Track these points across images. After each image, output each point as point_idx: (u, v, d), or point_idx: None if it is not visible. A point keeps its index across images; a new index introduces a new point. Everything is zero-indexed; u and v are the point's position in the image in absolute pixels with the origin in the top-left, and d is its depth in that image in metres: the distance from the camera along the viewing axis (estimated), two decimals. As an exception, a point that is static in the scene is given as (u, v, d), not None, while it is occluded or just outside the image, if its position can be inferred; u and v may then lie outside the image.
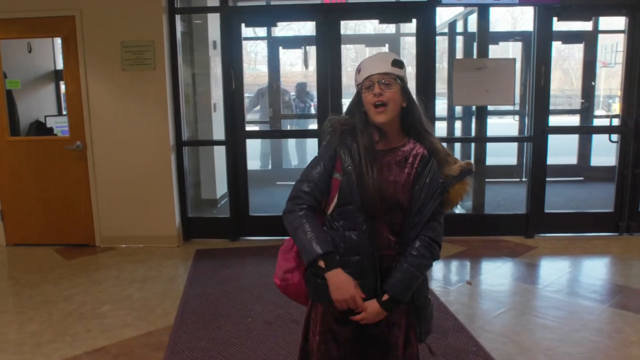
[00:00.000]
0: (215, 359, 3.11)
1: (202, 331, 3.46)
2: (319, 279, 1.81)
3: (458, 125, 7.26)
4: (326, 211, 1.89)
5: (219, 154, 6.57)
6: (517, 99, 7.44)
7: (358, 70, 1.85)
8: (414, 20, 5.04)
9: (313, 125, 8.10)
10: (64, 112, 6.00)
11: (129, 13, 4.95)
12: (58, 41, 6.15)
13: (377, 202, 1.77)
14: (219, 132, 6.48)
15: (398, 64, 1.81)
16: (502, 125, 8.56)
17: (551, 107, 5.30)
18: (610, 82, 17.15)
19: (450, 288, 4.16)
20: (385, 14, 5.16)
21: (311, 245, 1.77)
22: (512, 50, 10.37)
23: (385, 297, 1.81)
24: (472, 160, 5.60)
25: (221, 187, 6.79)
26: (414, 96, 1.88)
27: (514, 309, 3.76)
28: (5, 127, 5.23)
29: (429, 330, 2.01)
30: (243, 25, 5.22)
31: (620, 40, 10.54)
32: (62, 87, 6.25)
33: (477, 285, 4.22)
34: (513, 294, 4.10)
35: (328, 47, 5.10)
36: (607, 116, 12.51)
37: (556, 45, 5.09)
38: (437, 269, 4.60)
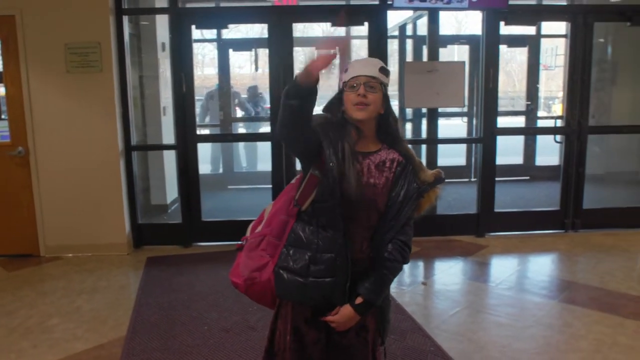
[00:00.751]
0: (172, 369, 3.03)
1: (156, 341, 3.36)
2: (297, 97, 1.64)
3: (408, 127, 7.38)
4: (300, 206, 1.85)
5: (169, 158, 6.43)
6: (466, 101, 7.62)
7: (345, 70, 1.83)
8: (366, 23, 5.08)
9: (266, 129, 8.06)
10: (3, 117, 5.72)
11: (73, 13, 4.77)
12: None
13: (356, 200, 1.77)
14: (168, 136, 6.35)
15: (385, 71, 1.84)
16: (450, 126, 8.73)
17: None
18: (550, 84, 17.85)
19: (405, 289, 4.20)
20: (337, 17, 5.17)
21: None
22: (458, 54, 10.60)
23: (359, 300, 1.81)
24: (424, 162, 5.68)
25: (171, 192, 6.64)
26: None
27: (468, 308, 3.83)
28: (-60, 132, 4.95)
29: (388, 332, 2.02)
30: (193, 27, 5.11)
31: (560, 44, 11.00)
32: (1, 90, 5.97)
33: (431, 286, 4.29)
34: (467, 292, 4.18)
35: (280, 49, 5.07)
36: (550, 117, 13.01)
37: (501, 48, 5.24)
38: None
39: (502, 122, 5.71)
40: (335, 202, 1.76)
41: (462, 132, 8.08)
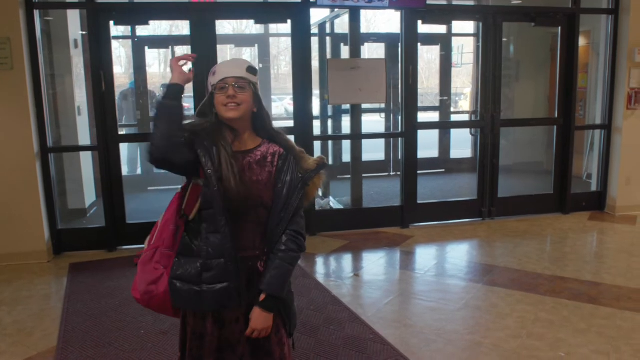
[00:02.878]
0: (112, 377, 2.93)
1: (91, 349, 3.23)
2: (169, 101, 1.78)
3: (329, 123, 7.51)
4: (187, 216, 1.88)
5: (86, 160, 6.16)
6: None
7: (213, 73, 1.87)
8: (289, 21, 5.12)
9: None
10: None
11: (-23, 7, 4.46)
12: None
13: (241, 201, 1.80)
14: (84, 136, 6.08)
15: (252, 70, 1.87)
16: (370, 122, 8.97)
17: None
18: (456, 80, 18.76)
19: (339, 282, 4.29)
20: (261, 14, 5.20)
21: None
22: (373, 52, 10.90)
23: (263, 296, 1.83)
24: (350, 157, 5.83)
25: (90, 195, 6.37)
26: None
27: (400, 296, 3.99)
28: None
29: (295, 324, 2.05)
30: (112, 23, 4.92)
31: (466, 43, 11.61)
32: None
33: (363, 277, 4.41)
34: (397, 281, 4.34)
35: (203, 47, 4.99)
36: (460, 112, 13.67)
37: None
38: (324, 264, 4.74)
39: (419, 117, 5.93)
40: (219, 208, 1.77)
41: (380, 128, 8.33)
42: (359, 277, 4.40)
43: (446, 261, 4.75)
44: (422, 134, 5.67)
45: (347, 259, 4.89)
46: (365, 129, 5.81)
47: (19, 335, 3.47)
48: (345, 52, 7.02)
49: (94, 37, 4.82)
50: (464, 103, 17.08)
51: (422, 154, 5.74)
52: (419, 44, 5.65)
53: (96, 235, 5.15)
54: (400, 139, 5.71)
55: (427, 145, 8.72)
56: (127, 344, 3.30)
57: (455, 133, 8.79)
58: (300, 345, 3.20)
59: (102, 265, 4.75)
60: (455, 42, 12.53)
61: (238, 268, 1.81)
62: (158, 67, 16.58)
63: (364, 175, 6.02)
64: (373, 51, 10.10)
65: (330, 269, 4.69)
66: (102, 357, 3.14)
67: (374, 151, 8.36)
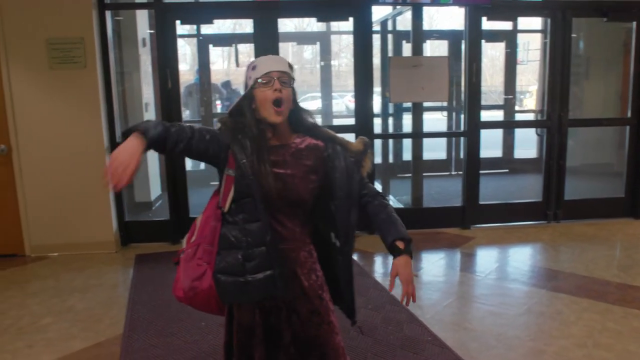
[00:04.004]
0: (174, 366, 3.02)
1: (155, 338, 3.34)
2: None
3: (390, 121, 7.44)
4: (222, 208, 1.87)
5: (152, 155, 6.37)
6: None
7: (252, 67, 1.85)
8: (351, 19, 5.11)
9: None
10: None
11: (54, 8, 4.68)
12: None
13: (273, 193, 1.80)
14: (152, 132, 6.28)
15: (291, 67, 1.89)
16: (430, 121, 8.84)
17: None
18: (521, 78, 18.20)
19: (397, 281, 4.24)
20: (322, 12, 5.20)
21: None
22: (436, 49, 10.72)
23: (401, 243, 1.86)
24: (406, 156, 5.78)
25: (155, 189, 6.59)
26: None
27: (461, 298, 3.91)
28: None
29: (355, 309, 2.06)
30: (178, 22, 5.06)
31: (532, 39, 11.23)
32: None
33: (422, 277, 4.35)
34: (458, 283, 4.26)
35: (266, 44, 5.06)
36: (527, 111, 13.25)
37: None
38: (383, 263, 4.71)
39: (482, 116, 5.79)
40: (256, 195, 1.78)
41: (442, 126, 8.19)
42: (418, 277, 4.35)
43: (508, 264, 4.62)
44: (485, 133, 5.54)
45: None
46: (427, 127, 5.73)
47: (89, 321, 3.64)
48: (407, 49, 6.94)
49: (161, 36, 4.98)
50: (529, 101, 16.55)
51: (485, 153, 5.61)
52: (483, 41, 5.51)
53: (160, 227, 5.32)
54: (462, 138, 5.58)
55: (491, 144, 8.51)
56: (188, 335, 3.39)
57: (519, 132, 8.52)
58: (357, 344, 3.20)
59: (165, 257, 4.90)
60: (522, 38, 12.18)
61: (279, 255, 1.83)
62: (222, 64, 16.99)
63: (425, 174, 5.95)
64: (435, 48, 9.93)
65: (388, 268, 4.65)
66: (165, 346, 3.24)
67: (435, 150, 8.24)
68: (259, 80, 1.80)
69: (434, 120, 8.74)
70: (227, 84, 8.76)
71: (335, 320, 1.97)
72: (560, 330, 3.35)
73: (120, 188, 1.65)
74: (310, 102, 11.68)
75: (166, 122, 1.79)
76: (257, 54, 5.13)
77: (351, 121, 5.39)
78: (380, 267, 4.64)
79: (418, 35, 5.40)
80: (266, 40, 5.06)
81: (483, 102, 5.51)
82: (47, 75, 4.75)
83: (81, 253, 5.00)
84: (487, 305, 3.74)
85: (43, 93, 4.78)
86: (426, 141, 5.84)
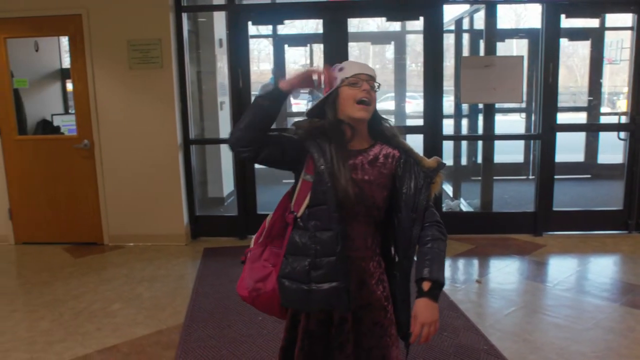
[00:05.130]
0: (227, 357, 3.11)
1: (212, 329, 3.46)
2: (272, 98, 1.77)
3: (464, 122, 7.25)
4: (295, 213, 1.86)
5: (226, 152, 6.58)
6: (524, 97, 7.44)
7: (340, 68, 1.85)
8: (421, 18, 5.02)
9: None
10: (71, 111, 6.00)
11: (135, 11, 4.94)
12: (64, 40, 6.14)
13: (350, 199, 1.77)
14: (225, 130, 6.49)
15: (375, 74, 1.89)
16: (508, 122, 8.53)
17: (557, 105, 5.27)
18: (614, 79, 17.12)
19: (459, 286, 4.15)
20: (393, 12, 5.15)
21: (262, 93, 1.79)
22: (517, 48, 10.31)
23: (427, 284, 1.75)
24: (480, 158, 5.60)
25: (228, 185, 6.80)
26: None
27: (524, 308, 3.75)
28: (14, 126, 5.24)
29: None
30: (250, 23, 5.20)
31: (625, 37, 10.52)
32: (69, 85, 6.25)
33: (486, 284, 4.21)
34: (523, 292, 4.08)
35: (335, 44, 5.09)
36: (614, 113, 12.44)
37: (561, 42, 5.07)
38: (446, 267, 4.60)
39: (564, 118, 5.54)
40: (332, 204, 1.76)
41: (520, 129, 7.87)
42: (481, 283, 4.22)
43: (580, 275, 4.37)
44: (566, 136, 5.26)
45: (471, 264, 4.71)
46: (503, 129, 5.53)
47: (154, 310, 3.82)
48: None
49: (233, 37, 5.13)
50: (622, 103, 15.55)
51: (565, 157, 5.34)
52: (567, 39, 5.23)
53: (229, 223, 5.49)
54: (536, 141, 5.33)
55: (572, 148, 8.09)
56: (245, 328, 3.47)
57: (607, 136, 8.02)
58: (411, 348, 3.14)
59: (232, 251, 5.05)
60: (614, 36, 11.45)
61: (348, 267, 1.79)
62: (298, 64, 17.26)
63: (499, 177, 5.75)
64: (513, 47, 9.54)
65: (451, 273, 4.53)
66: (221, 337, 3.34)
67: (512, 152, 7.94)
68: (347, 80, 1.81)
69: (512, 122, 8.43)
70: None
71: (395, 333, 1.94)
72: (630, 348, 3.13)
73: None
74: (386, 103, 11.60)
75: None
76: (326, 54, 5.16)
77: (420, 122, 5.29)
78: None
79: (491, 34, 5.22)
80: (336, 41, 5.08)
81: (572, 104, 5.24)
82: (126, 75, 5.03)
83: (154, 244, 5.25)
84: (552, 317, 3.56)
85: (123, 92, 5.06)
86: (503, 144, 5.66)
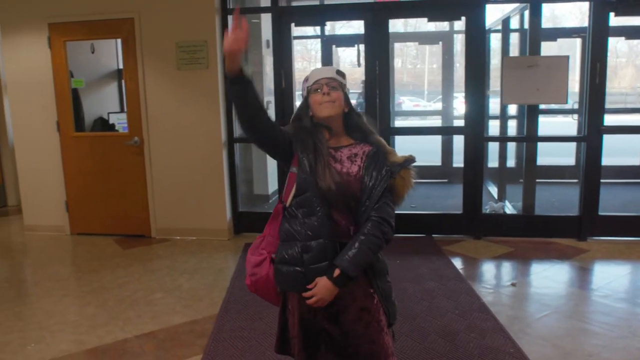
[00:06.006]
0: (254, 348, 3.23)
1: (245, 321, 3.58)
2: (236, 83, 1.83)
3: (512, 124, 7.10)
4: (284, 203, 2.01)
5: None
6: (576, 97, 7.21)
7: (305, 79, 2.05)
8: (463, 18, 4.99)
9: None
10: (126, 109, 6.31)
11: (183, 14, 5.16)
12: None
13: (332, 187, 1.91)
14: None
15: (341, 74, 2.05)
16: (560, 124, 8.29)
17: (621, 106, 5.11)
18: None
19: (493, 289, 4.11)
20: (434, 12, 5.14)
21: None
22: (571, 47, 9.99)
23: (337, 272, 1.89)
24: (523, 160, 5.50)
25: (273, 183, 6.95)
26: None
27: (558, 313, 3.68)
28: (71, 123, 5.56)
29: (396, 314, 2.10)
30: (293, 24, 5.31)
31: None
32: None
33: (522, 287, 4.15)
34: (559, 297, 4.00)
35: (376, 45, 5.13)
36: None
37: (628, 42, 4.92)
38: (482, 269, 4.56)
39: (623, 120, 5.32)
40: (313, 191, 1.91)
41: (572, 130, 7.63)
42: (516, 287, 4.16)
43: (621, 282, 4.23)
44: (622, 139, 5.07)
45: (507, 267, 4.64)
46: (553, 131, 5.40)
47: (191, 300, 4.00)
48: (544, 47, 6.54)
49: (277, 38, 5.26)
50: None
51: (619, 160, 5.15)
52: (622, 38, 5.07)
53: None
54: (582, 143, 5.18)
55: (630, 151, 7.78)
56: (275, 321, 3.54)
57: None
58: (435, 348, 3.17)
59: (270, 247, 5.17)
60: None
61: (337, 247, 1.92)
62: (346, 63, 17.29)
63: (549, 180, 5.61)
64: (559, 47, 9.22)
65: (487, 275, 4.51)
66: (252, 329, 3.47)
67: (562, 155, 7.73)
68: (311, 89, 2.00)
69: (565, 124, 8.19)
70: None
71: (384, 320, 2.03)
72: (665, 358, 3.04)
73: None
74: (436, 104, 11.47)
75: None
76: (368, 55, 5.21)
77: (461, 123, 5.26)
78: (479, 273, 4.50)
79: (535, 34, 5.12)
80: (377, 41, 5.13)
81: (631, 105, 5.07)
82: (174, 75, 5.25)
83: (198, 238, 5.46)
84: (585, 323, 3.49)
85: (171, 91, 5.29)
86: (554, 146, 5.52)
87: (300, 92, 2.11)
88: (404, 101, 20.51)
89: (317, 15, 5.44)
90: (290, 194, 1.98)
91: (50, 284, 4.38)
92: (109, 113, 6.42)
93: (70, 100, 5.56)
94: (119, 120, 6.21)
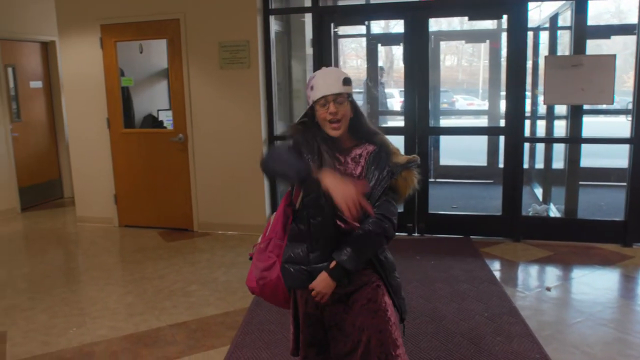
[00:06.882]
0: (280, 341, 3.31)
1: (274, 315, 3.67)
2: (313, 190, 1.91)
3: (562, 124, 6.89)
4: (294, 205, 2.07)
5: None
6: (630, 98, 6.92)
7: (311, 87, 2.02)
8: (505, 16, 4.90)
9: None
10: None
11: (226, 15, 5.30)
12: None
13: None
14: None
15: (347, 82, 2.01)
16: (613, 125, 7.98)
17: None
18: None
19: (526, 292, 4.04)
20: (474, 11, 5.07)
21: (299, 162, 1.93)
22: (628, 45, 9.55)
23: (333, 264, 1.94)
24: (564, 161, 5.35)
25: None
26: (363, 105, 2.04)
27: (592, 320, 3.58)
28: (120, 120, 5.82)
29: (406, 310, 2.15)
30: (332, 24, 5.36)
31: None
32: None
33: (558, 292, 4.06)
34: (596, 304, 3.88)
35: (416, 44, 5.11)
36: None
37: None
38: (518, 272, 4.49)
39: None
40: (319, 192, 1.90)
41: (625, 132, 7.34)
42: (551, 291, 4.07)
43: (664, 291, 4.09)
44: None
45: (545, 271, 4.55)
46: (605, 132, 5.22)
47: (225, 292, 4.13)
48: (591, 45, 6.33)
49: (317, 37, 5.33)
50: None
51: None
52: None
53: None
54: (629, 145, 4.98)
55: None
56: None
57: None
58: (458, 350, 3.17)
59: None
60: None
61: (335, 228, 1.97)
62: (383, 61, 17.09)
63: (595, 183, 5.43)
64: (623, 43, 8.85)
65: (522, 279, 4.43)
66: (280, 322, 3.55)
67: (615, 157, 7.44)
68: (317, 102, 1.99)
69: (619, 124, 7.88)
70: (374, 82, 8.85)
71: (392, 311, 2.03)
72: (700, 371, 2.92)
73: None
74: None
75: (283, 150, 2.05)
76: (406, 54, 5.20)
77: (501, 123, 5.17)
78: (513, 276, 4.43)
79: (580, 32, 4.96)
80: (417, 40, 5.11)
81: None
82: (217, 74, 5.41)
83: (237, 233, 5.61)
84: (620, 332, 3.38)
85: (213, 90, 5.46)
86: (607, 148, 5.33)
87: (307, 96, 2.08)
88: (457, 100, 20.15)
89: (356, 15, 5.47)
90: (298, 196, 2.05)
91: (96, 273, 4.63)
92: (158, 110, 6.67)
93: (120, 98, 5.82)
94: (168, 118, 6.43)
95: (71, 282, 4.52)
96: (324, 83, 2.00)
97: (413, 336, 3.32)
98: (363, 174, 2.02)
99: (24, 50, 6.93)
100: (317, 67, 5.37)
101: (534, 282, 4.38)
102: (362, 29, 8.25)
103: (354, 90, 2.10)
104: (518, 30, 4.88)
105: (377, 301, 2.00)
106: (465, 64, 29.41)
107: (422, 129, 5.06)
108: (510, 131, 5.03)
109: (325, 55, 5.34)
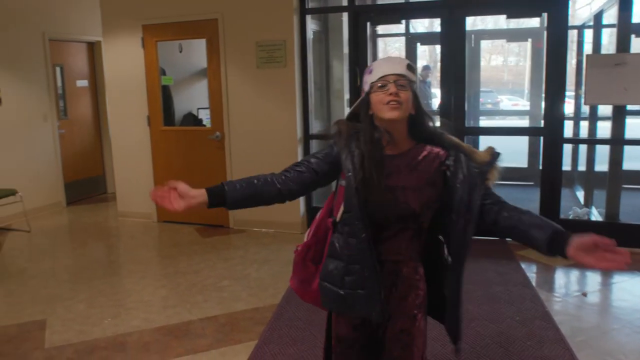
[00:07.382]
0: (307, 338, 3.34)
1: (303, 312, 3.70)
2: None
3: (606, 125, 6.68)
4: (335, 217, 1.87)
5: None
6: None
7: (369, 71, 1.77)
8: (544, 14, 4.79)
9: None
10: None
11: (263, 15, 5.37)
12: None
13: (386, 204, 1.74)
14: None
15: (412, 69, 1.75)
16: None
17: None
18: None
19: (561, 297, 3.95)
20: (513, 8, 4.98)
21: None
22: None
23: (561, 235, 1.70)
24: (607, 164, 5.19)
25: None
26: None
27: (629, 328, 3.47)
28: (160, 118, 5.97)
29: (460, 335, 1.90)
30: (368, 23, 5.36)
31: None
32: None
33: (594, 298, 3.95)
34: (634, 311, 3.76)
35: (452, 43, 5.05)
36: None
37: None
38: (553, 276, 4.39)
39: None
40: (356, 211, 1.72)
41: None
42: (587, 297, 3.96)
43: None
44: None
45: (582, 276, 4.43)
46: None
47: (257, 289, 4.19)
48: (636, 43, 6.12)
49: (353, 37, 5.33)
50: None
51: None
52: None
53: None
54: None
55: None
56: (331, 315, 3.67)
57: None
58: (487, 353, 3.13)
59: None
60: None
61: (378, 276, 1.76)
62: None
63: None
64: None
65: (558, 283, 4.32)
66: (307, 320, 3.58)
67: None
68: (374, 85, 1.72)
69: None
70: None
71: (423, 344, 1.90)
72: None
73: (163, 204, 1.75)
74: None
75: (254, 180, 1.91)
76: (443, 53, 5.15)
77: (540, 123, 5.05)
78: (548, 280, 4.33)
79: (625, 30, 4.80)
80: (454, 39, 5.05)
81: None
82: (254, 73, 5.48)
83: (271, 231, 5.68)
84: (659, 340, 3.27)
85: (250, 89, 5.53)
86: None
87: (362, 85, 1.82)
88: (502, 100, 19.79)
89: (392, 14, 5.44)
90: (340, 209, 1.84)
91: (133, 266, 4.77)
92: (198, 109, 6.81)
93: (160, 97, 5.97)
94: (207, 116, 6.56)
95: (109, 274, 4.66)
96: (384, 64, 1.76)
97: (440, 337, 3.29)
98: (420, 185, 1.76)
99: (71, 50, 7.19)
100: (351, 66, 5.38)
101: (570, 287, 4.27)
102: (401, 28, 8.21)
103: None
104: (558, 28, 4.76)
105: (411, 333, 1.85)
106: (511, 63, 28.83)
107: (458, 129, 5.00)
108: (549, 132, 4.92)
109: (361, 54, 5.34)
